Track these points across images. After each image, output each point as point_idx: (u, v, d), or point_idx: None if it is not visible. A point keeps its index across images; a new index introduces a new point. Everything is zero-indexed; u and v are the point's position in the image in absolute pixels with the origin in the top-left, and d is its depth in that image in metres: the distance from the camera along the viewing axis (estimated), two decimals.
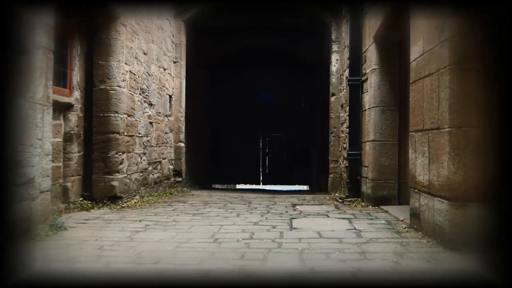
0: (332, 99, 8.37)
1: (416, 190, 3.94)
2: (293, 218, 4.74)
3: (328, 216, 4.92)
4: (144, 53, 6.68)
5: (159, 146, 7.50)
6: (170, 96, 8.13)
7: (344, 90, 7.60)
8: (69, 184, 5.32)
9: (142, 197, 6.35)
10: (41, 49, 3.70)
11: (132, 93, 6.15)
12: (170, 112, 8.13)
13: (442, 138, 3.33)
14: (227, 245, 3.40)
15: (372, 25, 5.88)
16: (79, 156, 5.52)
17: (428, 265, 2.83)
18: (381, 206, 5.57)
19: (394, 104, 5.77)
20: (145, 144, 6.75)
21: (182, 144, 8.53)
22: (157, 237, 3.68)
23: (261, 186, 15.37)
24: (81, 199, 5.44)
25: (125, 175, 5.87)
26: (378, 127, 5.78)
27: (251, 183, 15.67)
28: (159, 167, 7.48)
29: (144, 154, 6.72)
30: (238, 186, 15.71)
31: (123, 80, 5.81)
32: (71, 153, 5.37)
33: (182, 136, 8.53)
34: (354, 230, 4.02)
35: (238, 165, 15.39)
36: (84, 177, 5.60)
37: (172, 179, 8.24)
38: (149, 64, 6.92)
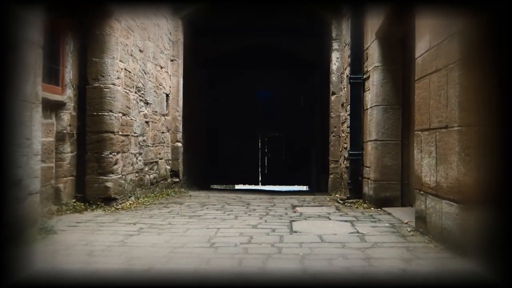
0: (333, 98, 8.20)
1: (422, 192, 3.77)
2: (293, 221, 4.57)
3: (330, 219, 4.75)
4: (140, 51, 6.50)
5: (156, 146, 7.32)
6: (167, 95, 7.95)
7: (345, 88, 7.43)
8: (61, 185, 5.14)
9: (138, 199, 6.16)
10: (28, 44, 3.51)
11: (127, 91, 5.97)
12: (167, 111, 7.94)
13: (451, 138, 3.15)
14: (224, 251, 3.23)
15: (374, 21, 5.71)
16: (72, 156, 5.34)
17: (438, 272, 2.65)
18: (383, 208, 5.40)
19: (397, 102, 5.60)
20: (141, 144, 6.57)
21: (180, 144, 8.35)
22: (150, 242, 3.51)
23: (260, 187, 15.21)
24: (74, 200, 5.26)
25: (120, 175, 5.69)
26: (380, 126, 5.61)
27: (250, 184, 15.52)
28: (155, 167, 7.30)
29: (140, 154, 6.54)
30: (237, 187, 15.55)
31: (118, 77, 5.63)
32: (64, 153, 5.19)
33: (180, 135, 8.35)
34: (357, 234, 3.85)
35: (237, 165, 15.23)
36: (77, 178, 5.42)
37: (169, 180, 8.06)
38: (145, 62, 6.74)
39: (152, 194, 6.85)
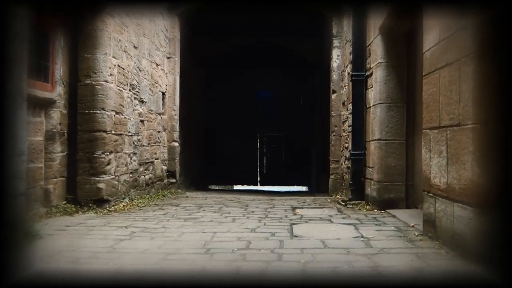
0: (333, 96, 7.98)
1: (430, 194, 3.55)
2: (293, 224, 4.35)
3: (332, 222, 4.53)
4: (135, 47, 6.27)
5: (151, 146, 7.09)
6: (163, 93, 7.72)
7: (346, 87, 7.21)
8: (51, 186, 4.91)
9: (132, 200, 5.93)
10: (12, 37, 3.29)
11: (121, 88, 5.74)
12: (163, 110, 7.72)
13: (464, 136, 2.93)
14: (220, 257, 3.00)
15: (377, 16, 5.49)
16: (62, 156, 5.11)
17: (452, 282, 2.44)
18: (387, 210, 5.17)
19: (401, 100, 5.38)
20: (135, 143, 6.34)
21: (176, 144, 8.12)
22: (142, 247, 3.28)
23: (259, 187, 15.00)
24: (64, 202, 5.04)
25: (113, 176, 5.46)
26: (384, 125, 5.39)
27: (248, 184, 15.31)
28: (151, 167, 7.07)
29: (135, 154, 6.31)
30: (236, 187, 15.33)
31: (111, 74, 5.40)
32: (54, 153, 4.96)
33: (176, 135, 8.12)
34: (361, 238, 3.62)
35: (236, 166, 15.03)
36: (68, 179, 5.19)
37: (165, 180, 7.83)
38: (140, 59, 6.51)
39: (147, 196, 6.62)
